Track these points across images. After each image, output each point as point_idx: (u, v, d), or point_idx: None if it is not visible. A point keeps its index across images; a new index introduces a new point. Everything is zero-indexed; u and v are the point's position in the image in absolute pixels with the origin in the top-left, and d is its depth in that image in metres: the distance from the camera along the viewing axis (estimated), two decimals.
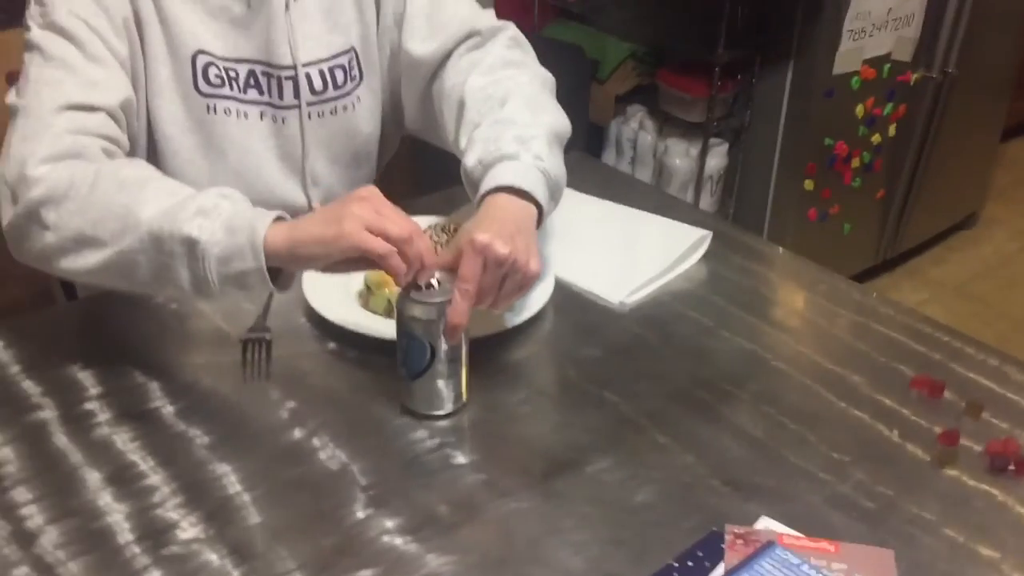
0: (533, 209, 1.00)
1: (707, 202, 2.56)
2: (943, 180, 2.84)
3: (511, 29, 1.24)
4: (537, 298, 1.09)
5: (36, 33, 1.05)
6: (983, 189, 3.18)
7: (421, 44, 1.22)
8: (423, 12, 1.23)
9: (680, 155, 2.52)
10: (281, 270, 0.93)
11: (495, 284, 0.93)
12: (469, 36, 1.21)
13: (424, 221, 1.22)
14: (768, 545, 0.79)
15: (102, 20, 1.07)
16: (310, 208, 1.29)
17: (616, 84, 2.62)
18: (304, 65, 1.21)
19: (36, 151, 0.97)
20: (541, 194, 1.00)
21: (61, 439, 0.91)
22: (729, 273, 1.21)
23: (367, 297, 1.09)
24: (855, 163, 2.52)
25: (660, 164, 2.58)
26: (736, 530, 0.81)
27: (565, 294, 1.14)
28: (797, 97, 2.37)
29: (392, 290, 1.06)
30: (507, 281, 0.93)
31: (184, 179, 1.19)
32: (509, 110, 1.09)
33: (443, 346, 0.90)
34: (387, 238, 0.87)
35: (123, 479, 0.86)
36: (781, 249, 1.29)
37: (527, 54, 1.23)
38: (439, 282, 0.90)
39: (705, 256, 1.23)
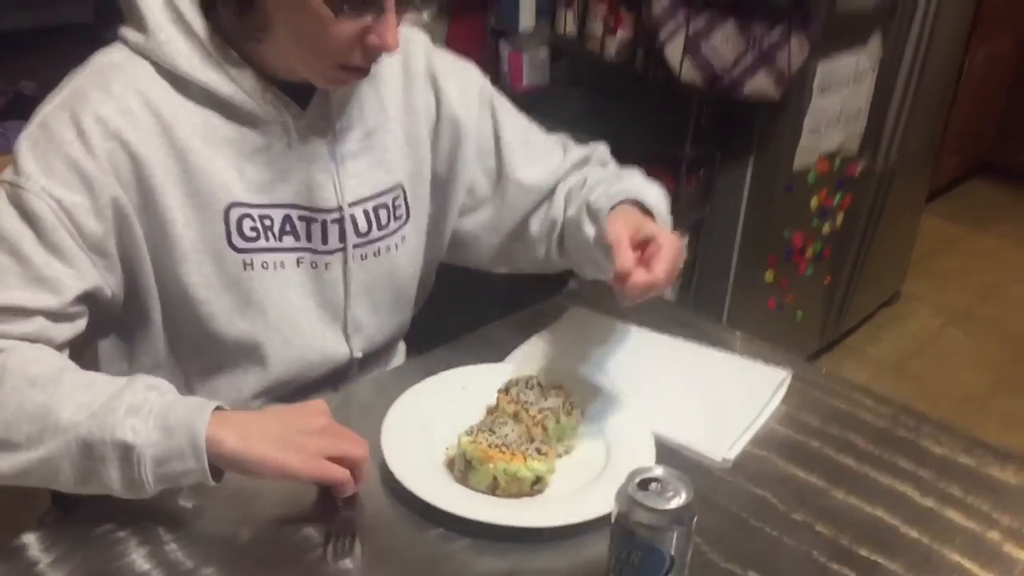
0: None
1: (667, 295, 2.53)
2: (878, 262, 2.91)
3: (606, 148, 1.30)
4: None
5: (1, 201, 0.96)
6: (905, 266, 3.29)
7: (527, 171, 1.22)
8: (519, 139, 1.22)
9: None
10: None
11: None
12: (579, 164, 1.25)
13: (500, 372, 1.12)
14: None
15: (80, 198, 0.96)
16: (351, 358, 1.18)
17: None
18: (350, 205, 1.11)
19: None
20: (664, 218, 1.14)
21: None
22: (792, 408, 1.16)
23: (465, 472, 0.97)
24: (808, 253, 2.56)
25: None
26: None
27: (659, 451, 1.06)
28: (758, 191, 2.38)
29: (496, 464, 0.95)
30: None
31: (225, 341, 1.08)
32: (627, 176, 1.21)
33: (681, 553, 0.80)
34: (346, 462, 0.89)
35: None
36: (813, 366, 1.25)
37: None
38: (661, 481, 0.80)
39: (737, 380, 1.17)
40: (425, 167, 1.18)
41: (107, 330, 1.11)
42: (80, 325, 0.99)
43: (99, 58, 1.02)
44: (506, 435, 0.98)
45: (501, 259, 1.30)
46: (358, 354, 1.19)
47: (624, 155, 2.49)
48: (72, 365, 0.94)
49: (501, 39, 2.57)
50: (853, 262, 2.78)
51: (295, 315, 1.12)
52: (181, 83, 1.01)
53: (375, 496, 0.97)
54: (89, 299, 0.99)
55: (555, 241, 1.24)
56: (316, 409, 0.93)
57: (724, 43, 2.00)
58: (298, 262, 1.10)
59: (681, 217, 2.39)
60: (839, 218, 2.60)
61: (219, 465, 0.87)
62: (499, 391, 1.06)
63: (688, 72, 2.02)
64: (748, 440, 1.10)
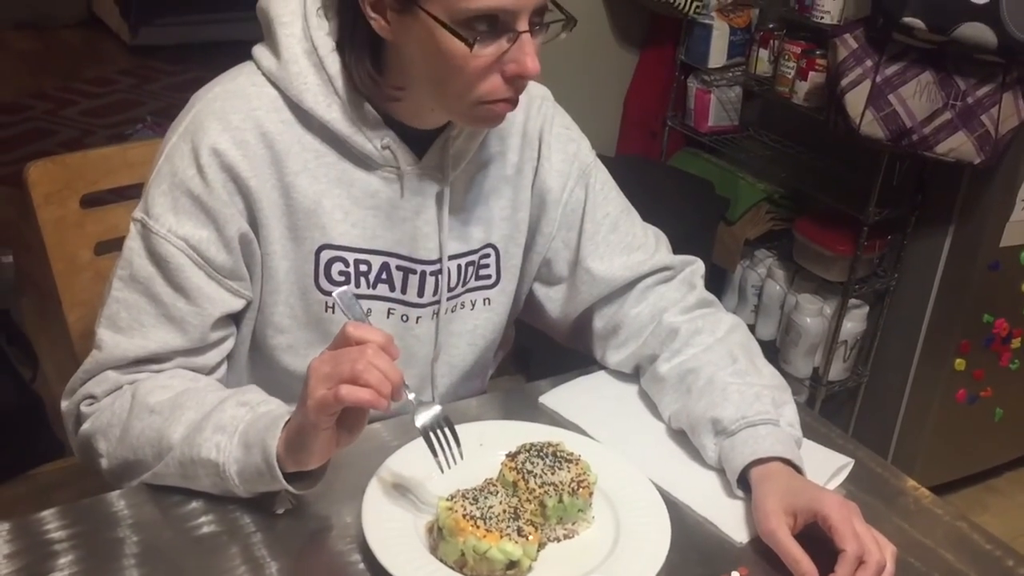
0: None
1: (838, 368, 2.28)
2: None
3: (701, 266, 1.19)
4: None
5: (132, 239, 0.99)
6: None
7: (601, 262, 1.13)
8: (607, 225, 1.14)
9: (812, 314, 2.26)
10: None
11: None
12: (662, 270, 1.15)
13: (510, 434, 1.00)
14: None
15: (207, 232, 0.97)
16: None
17: (746, 227, 2.39)
18: (449, 258, 1.06)
19: (93, 391, 0.98)
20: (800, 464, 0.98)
21: None
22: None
23: (437, 540, 0.87)
24: (1015, 343, 2.22)
25: (787, 320, 2.32)
26: None
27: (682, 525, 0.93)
28: (955, 267, 2.09)
29: (467, 540, 0.84)
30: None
31: (297, 376, 0.98)
32: (744, 365, 1.07)
33: None
34: (366, 383, 0.81)
35: None
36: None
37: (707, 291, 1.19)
38: None
39: None
40: (521, 234, 1.13)
41: None
42: (230, 344, 1.04)
43: (228, 78, 1.01)
44: (490, 507, 0.86)
45: (568, 339, 1.22)
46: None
47: (802, 211, 2.30)
48: (192, 385, 0.97)
49: (690, 75, 2.43)
50: None
51: None
52: (303, 115, 0.99)
53: (332, 548, 0.88)
54: (221, 324, 1.01)
55: (616, 353, 1.16)
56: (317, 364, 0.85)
57: (917, 96, 1.76)
58: (388, 313, 1.07)
59: (858, 286, 2.16)
60: None
61: (297, 469, 0.87)
62: (506, 455, 0.95)
63: (869, 124, 1.79)
64: None
